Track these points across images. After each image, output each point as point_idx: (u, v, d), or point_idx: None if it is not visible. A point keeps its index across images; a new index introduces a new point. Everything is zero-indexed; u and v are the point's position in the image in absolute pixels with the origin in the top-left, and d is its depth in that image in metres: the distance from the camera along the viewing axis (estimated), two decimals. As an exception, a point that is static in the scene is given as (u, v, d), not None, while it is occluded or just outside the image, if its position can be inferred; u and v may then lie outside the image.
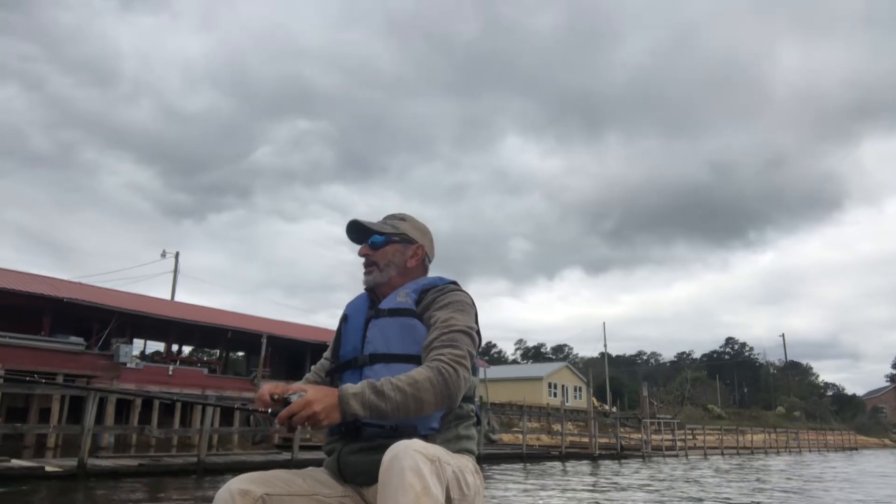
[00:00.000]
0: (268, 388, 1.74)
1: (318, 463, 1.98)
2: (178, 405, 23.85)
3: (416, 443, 1.51)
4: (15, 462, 11.56)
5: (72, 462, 11.55)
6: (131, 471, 11.88)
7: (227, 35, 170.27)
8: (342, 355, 1.95)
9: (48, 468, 10.98)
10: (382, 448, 1.53)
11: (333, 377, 1.97)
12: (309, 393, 1.57)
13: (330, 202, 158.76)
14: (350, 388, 1.61)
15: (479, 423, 1.91)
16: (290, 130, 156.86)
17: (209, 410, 14.25)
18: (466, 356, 1.74)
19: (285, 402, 1.58)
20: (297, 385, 1.66)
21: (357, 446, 1.75)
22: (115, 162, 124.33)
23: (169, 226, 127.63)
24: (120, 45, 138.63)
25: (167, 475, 11.97)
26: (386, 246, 2.02)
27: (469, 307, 1.90)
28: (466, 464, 1.72)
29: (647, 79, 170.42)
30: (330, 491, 1.75)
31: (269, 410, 1.60)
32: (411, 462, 1.44)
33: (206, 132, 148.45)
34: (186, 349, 36.84)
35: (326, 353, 2.09)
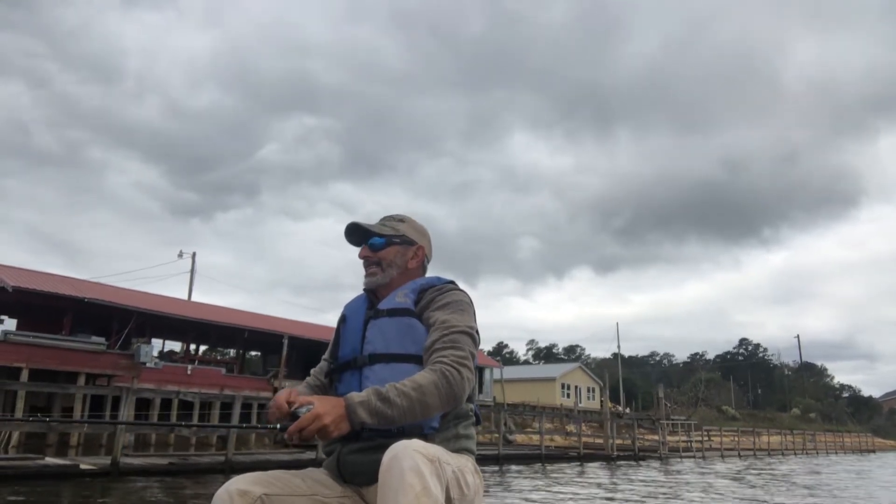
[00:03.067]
0: (284, 395, 1.75)
1: None
2: (197, 404, 24.06)
3: (416, 443, 1.52)
4: (50, 460, 11.77)
5: (105, 460, 11.75)
6: (162, 469, 12.07)
7: (232, 31, 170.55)
8: (341, 356, 1.96)
9: (83, 466, 11.17)
10: (382, 448, 1.54)
11: (332, 378, 1.98)
12: (317, 406, 1.56)
13: (337, 200, 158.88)
14: (356, 396, 1.61)
15: (478, 422, 1.92)
16: (296, 127, 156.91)
17: (235, 411, 14.36)
18: (468, 357, 1.76)
19: (294, 416, 1.58)
20: (304, 397, 1.65)
21: (356, 446, 1.76)
22: (122, 161, 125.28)
23: (177, 225, 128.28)
24: (124, 43, 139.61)
25: (196, 473, 12.13)
26: (387, 248, 2.03)
27: (468, 306, 1.91)
28: (466, 463, 1.73)
29: (658, 73, 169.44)
30: (329, 491, 1.75)
31: (279, 425, 1.61)
32: (411, 462, 1.45)
33: (211, 130, 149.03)
34: (200, 348, 36.97)
35: (325, 355, 2.09)
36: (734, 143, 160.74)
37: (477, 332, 1.87)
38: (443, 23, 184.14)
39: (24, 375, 19.72)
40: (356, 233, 2.08)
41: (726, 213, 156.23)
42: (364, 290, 2.07)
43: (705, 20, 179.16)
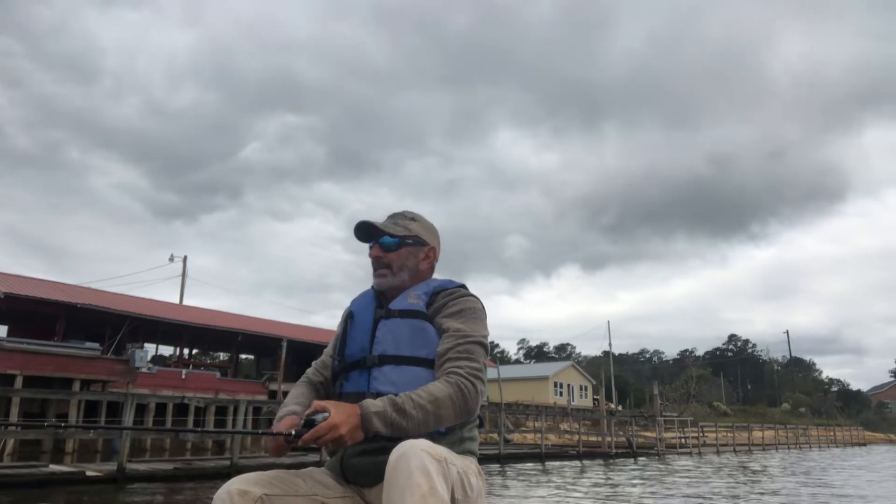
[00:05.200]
0: (288, 423, 1.71)
1: None
2: (192, 408, 23.89)
3: (423, 443, 1.50)
4: (54, 467, 11.67)
5: (111, 466, 11.65)
6: (168, 474, 11.98)
7: (212, 29, 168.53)
8: (349, 354, 1.92)
9: (89, 473, 11.06)
10: (386, 450, 1.52)
11: (339, 377, 1.94)
12: (333, 414, 1.55)
13: (322, 201, 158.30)
14: (371, 405, 1.60)
15: (481, 424, 1.90)
16: (279, 126, 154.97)
17: (240, 413, 14.26)
18: (482, 368, 1.75)
19: (310, 423, 1.56)
20: (318, 402, 1.61)
21: (360, 448, 1.73)
22: (102, 162, 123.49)
23: (159, 227, 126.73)
24: (102, 41, 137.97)
25: (202, 478, 12.03)
26: (399, 249, 1.98)
27: (480, 313, 1.90)
28: (470, 465, 1.71)
29: (645, 68, 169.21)
30: (330, 491, 1.74)
31: (294, 432, 1.58)
32: (418, 462, 1.44)
33: (192, 129, 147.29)
34: (190, 352, 36.67)
35: (328, 350, 2.06)
36: (722, 139, 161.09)
37: (487, 339, 1.86)
38: (427, 18, 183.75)
39: (19, 382, 19.49)
40: (366, 230, 2.01)
41: (715, 208, 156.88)
42: (372, 288, 2.03)
43: (691, 14, 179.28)
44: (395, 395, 1.66)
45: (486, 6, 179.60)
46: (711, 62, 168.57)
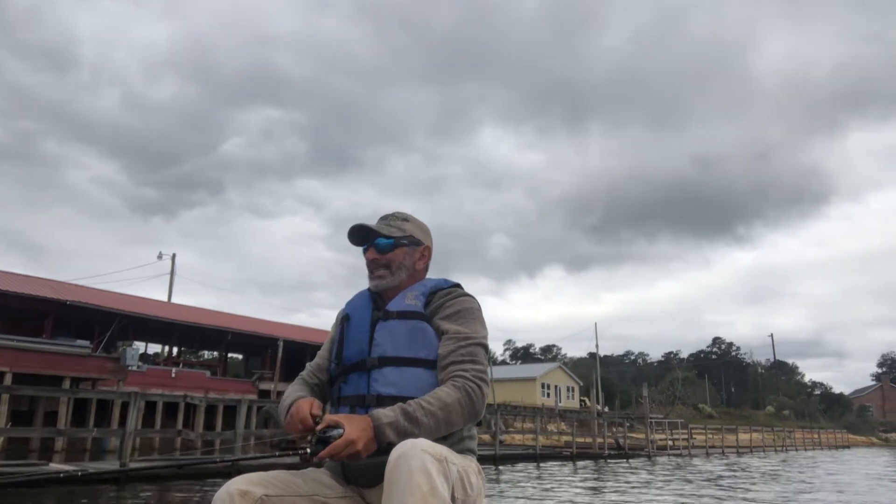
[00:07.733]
0: (306, 408, 1.69)
1: None
2: (182, 406, 23.65)
3: (424, 442, 1.50)
4: (55, 466, 11.51)
5: (112, 465, 11.53)
6: (170, 473, 11.84)
7: (192, 20, 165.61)
8: (347, 357, 1.90)
9: (91, 471, 10.91)
10: (387, 450, 1.52)
11: (337, 380, 1.92)
12: (347, 430, 1.54)
13: (304, 197, 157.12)
14: (383, 416, 1.60)
15: (479, 423, 1.90)
16: (260, 120, 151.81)
17: (242, 413, 14.14)
18: (486, 371, 1.76)
19: (325, 440, 1.55)
20: (330, 416, 1.61)
21: None
22: (79, 155, 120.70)
23: (138, 223, 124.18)
24: (78, 30, 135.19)
25: (205, 477, 11.92)
26: (395, 249, 1.98)
27: (478, 313, 1.90)
28: (470, 464, 1.71)
29: (631, 67, 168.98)
30: (330, 492, 1.74)
31: (308, 451, 1.58)
32: (419, 462, 1.43)
33: (172, 122, 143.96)
34: (176, 351, 36.30)
35: (323, 353, 2.04)
36: (707, 140, 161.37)
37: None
38: (412, 14, 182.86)
39: (8, 379, 19.22)
40: (360, 233, 2.00)
41: (699, 210, 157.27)
42: (369, 289, 2.02)
43: (678, 13, 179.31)
44: (398, 397, 1.68)
45: (471, 2, 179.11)
46: (697, 62, 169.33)
